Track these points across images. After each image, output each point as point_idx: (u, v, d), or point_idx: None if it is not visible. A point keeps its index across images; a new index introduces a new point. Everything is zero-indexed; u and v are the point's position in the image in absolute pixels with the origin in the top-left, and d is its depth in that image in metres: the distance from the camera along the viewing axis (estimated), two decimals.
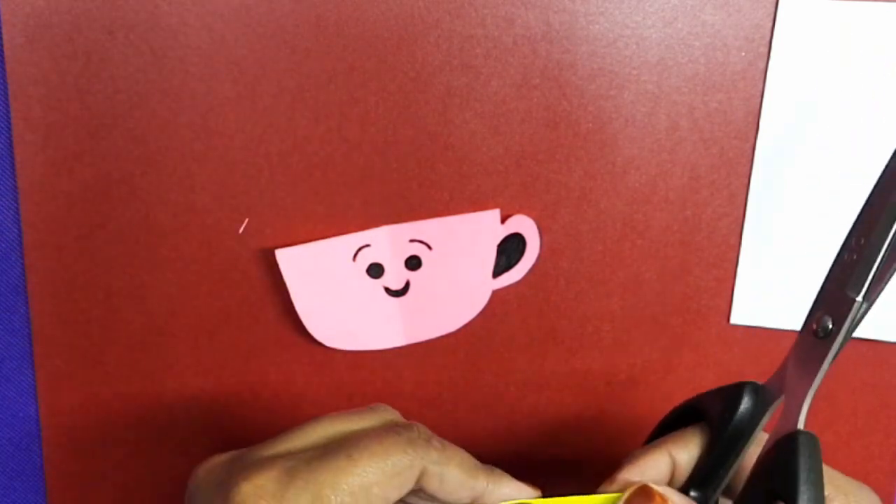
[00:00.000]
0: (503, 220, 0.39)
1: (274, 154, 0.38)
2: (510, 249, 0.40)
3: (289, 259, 0.38)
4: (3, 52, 0.37)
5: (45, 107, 0.37)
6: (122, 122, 0.37)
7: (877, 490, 0.42)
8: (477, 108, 0.38)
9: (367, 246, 0.39)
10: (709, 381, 0.42)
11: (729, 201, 0.40)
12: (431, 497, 0.31)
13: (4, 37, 0.36)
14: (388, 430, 0.30)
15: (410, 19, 0.37)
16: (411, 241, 0.39)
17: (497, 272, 0.40)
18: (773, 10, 0.38)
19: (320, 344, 0.39)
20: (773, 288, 0.40)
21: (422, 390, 0.41)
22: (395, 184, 0.39)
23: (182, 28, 0.37)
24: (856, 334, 0.40)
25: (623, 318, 0.41)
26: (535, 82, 0.38)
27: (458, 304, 0.40)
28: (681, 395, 0.42)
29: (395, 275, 0.40)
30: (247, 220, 0.39)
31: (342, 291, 0.39)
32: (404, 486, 0.30)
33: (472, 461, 0.31)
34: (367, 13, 0.37)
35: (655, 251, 0.40)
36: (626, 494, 0.31)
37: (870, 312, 0.40)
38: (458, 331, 0.40)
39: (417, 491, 0.31)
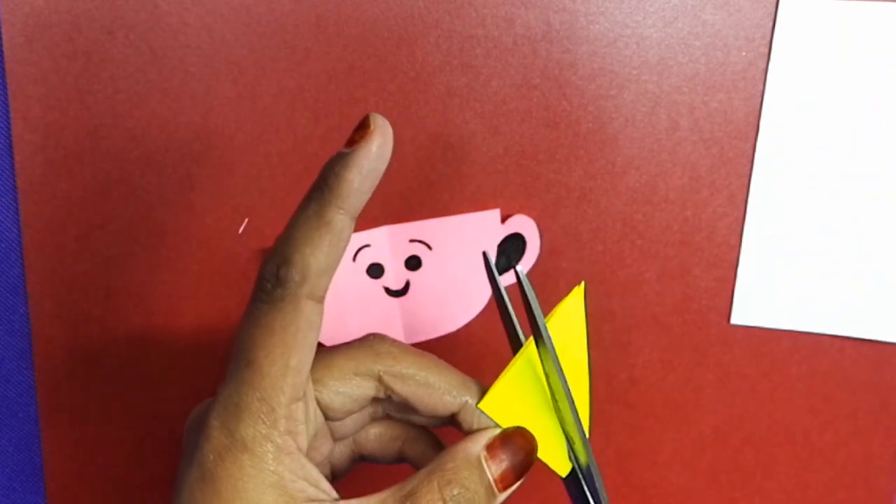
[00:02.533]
0: (503, 220, 0.39)
1: (274, 154, 0.38)
2: (510, 249, 0.40)
3: None
4: (2, 51, 0.37)
5: (45, 107, 0.37)
6: (122, 122, 0.37)
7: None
8: (477, 108, 0.38)
9: (367, 246, 0.39)
10: (709, 381, 0.42)
11: (729, 201, 0.40)
12: (412, 408, 0.31)
13: (4, 36, 0.36)
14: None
15: (410, 19, 0.37)
16: (411, 241, 0.39)
17: (498, 272, 0.40)
18: (773, 9, 0.38)
19: (320, 344, 0.39)
20: (773, 288, 0.40)
21: None
22: (395, 184, 0.39)
23: (182, 28, 0.37)
24: (856, 334, 0.41)
25: (623, 318, 0.41)
26: (535, 82, 0.38)
27: (458, 304, 0.40)
28: (681, 395, 0.42)
29: (395, 275, 0.40)
30: (247, 220, 0.39)
31: (342, 291, 0.39)
32: (363, 383, 0.31)
33: (449, 368, 0.32)
34: (367, 13, 0.37)
35: (655, 251, 0.40)
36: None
37: (870, 312, 0.40)
38: (458, 331, 0.40)
39: (397, 404, 0.31)
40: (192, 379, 0.40)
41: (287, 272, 0.28)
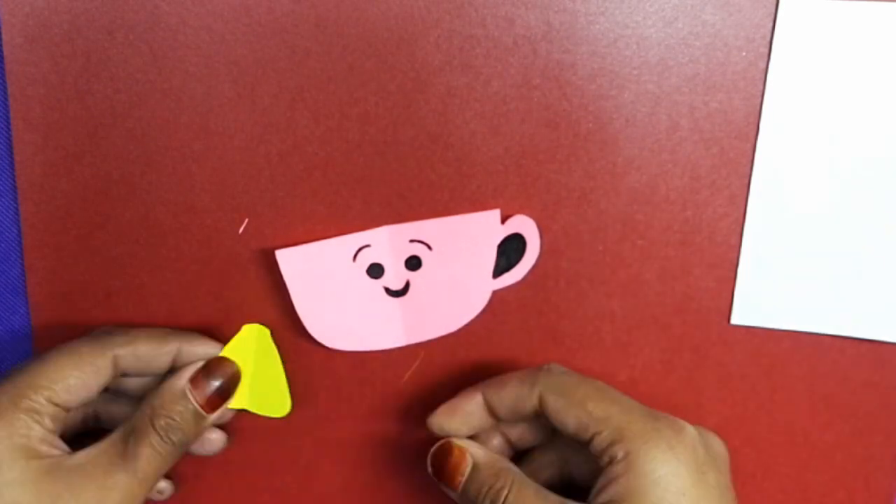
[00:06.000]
0: (503, 221, 0.39)
1: (274, 154, 0.38)
2: (510, 250, 0.40)
3: (289, 259, 0.38)
4: (2, 52, 0.37)
5: (45, 107, 0.37)
6: (122, 122, 0.37)
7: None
8: (477, 109, 0.38)
9: (367, 246, 0.39)
10: (709, 381, 0.42)
11: (729, 201, 0.40)
12: (140, 374, 0.37)
13: (4, 37, 0.36)
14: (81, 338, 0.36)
15: (410, 19, 0.37)
16: (411, 241, 0.39)
17: (497, 272, 0.40)
18: (773, 10, 0.38)
19: (320, 344, 0.39)
20: (774, 288, 0.40)
21: (422, 391, 0.41)
22: (395, 184, 0.39)
23: (182, 28, 0.37)
24: (856, 334, 0.41)
25: (623, 318, 0.41)
26: (535, 82, 0.38)
27: (457, 305, 0.40)
28: (681, 395, 0.42)
29: (395, 275, 0.40)
30: (247, 220, 0.39)
31: (342, 291, 0.39)
32: (101, 372, 0.35)
33: (162, 330, 0.37)
34: (367, 13, 0.37)
35: (655, 251, 0.40)
36: (431, 453, 0.36)
37: (870, 312, 0.40)
38: (458, 331, 0.40)
39: (127, 376, 0.37)
40: None
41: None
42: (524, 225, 0.39)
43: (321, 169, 0.38)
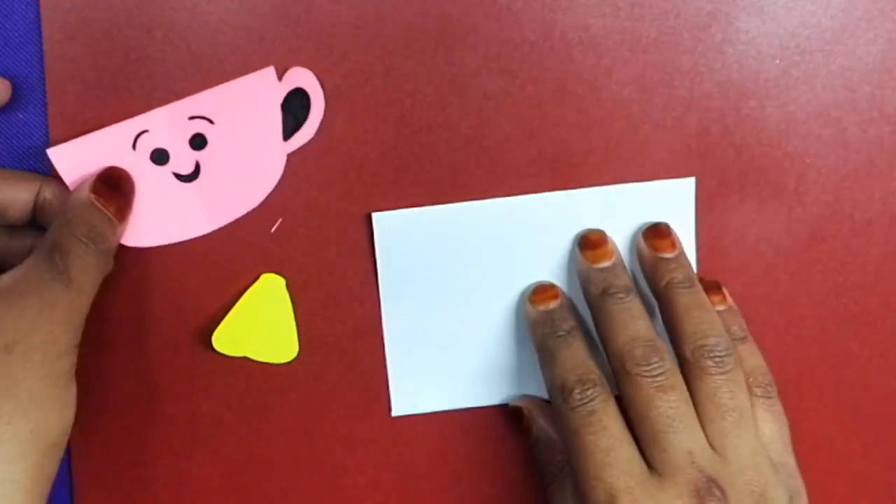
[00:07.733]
0: (280, 77, 0.38)
1: (308, 154, 0.38)
2: (295, 107, 0.38)
3: (62, 156, 0.36)
4: (42, 48, 0.37)
5: (83, 104, 0.37)
6: None
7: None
8: (512, 112, 0.38)
9: (146, 132, 0.37)
10: None
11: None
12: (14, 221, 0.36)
13: (44, 33, 0.37)
14: None
15: (448, 22, 0.37)
16: (191, 118, 0.37)
17: (287, 134, 0.38)
18: (807, 18, 0.38)
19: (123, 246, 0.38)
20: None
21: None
22: (427, 185, 0.39)
23: (221, 27, 0.37)
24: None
25: None
26: (570, 87, 0.38)
27: (254, 176, 0.38)
28: None
29: (182, 158, 0.38)
30: (280, 220, 0.39)
31: None
32: None
33: (21, 172, 0.37)
34: (405, 15, 0.37)
35: None
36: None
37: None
38: (261, 205, 0.39)
39: None
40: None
41: None
42: (303, 78, 0.38)
43: (356, 170, 0.39)
